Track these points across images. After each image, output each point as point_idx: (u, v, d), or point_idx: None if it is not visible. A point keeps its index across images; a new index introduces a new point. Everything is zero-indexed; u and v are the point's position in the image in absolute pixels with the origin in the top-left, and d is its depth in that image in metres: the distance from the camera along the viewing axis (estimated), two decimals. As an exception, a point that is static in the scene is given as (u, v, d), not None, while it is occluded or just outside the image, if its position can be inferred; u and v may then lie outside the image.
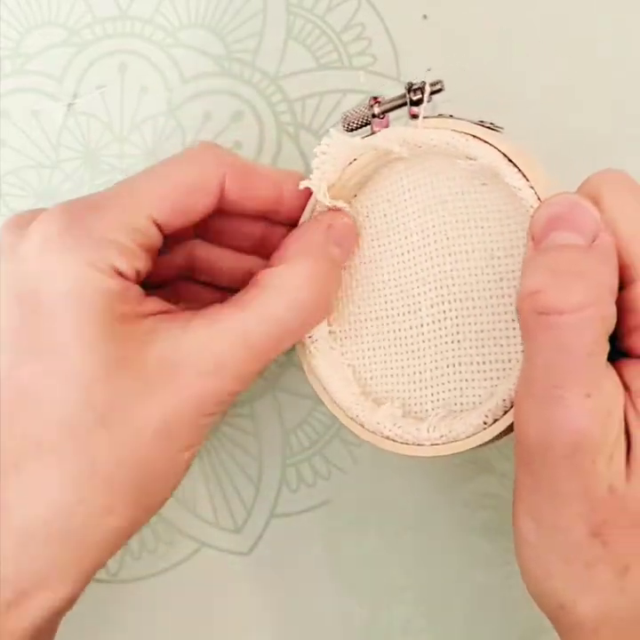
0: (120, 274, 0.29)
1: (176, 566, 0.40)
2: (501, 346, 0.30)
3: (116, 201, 0.30)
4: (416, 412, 0.32)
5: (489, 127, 0.30)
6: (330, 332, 0.34)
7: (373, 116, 0.32)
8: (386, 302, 0.33)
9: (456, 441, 0.29)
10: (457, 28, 0.40)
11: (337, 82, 0.40)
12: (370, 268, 0.33)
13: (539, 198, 0.28)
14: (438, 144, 0.30)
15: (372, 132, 0.32)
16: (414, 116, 0.31)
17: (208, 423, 0.30)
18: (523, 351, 0.26)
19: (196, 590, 0.39)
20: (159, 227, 0.31)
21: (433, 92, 0.31)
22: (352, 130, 0.32)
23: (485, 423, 0.29)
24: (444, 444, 0.30)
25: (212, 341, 0.29)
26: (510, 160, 0.28)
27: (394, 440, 0.31)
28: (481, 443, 0.29)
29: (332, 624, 0.39)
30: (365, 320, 0.33)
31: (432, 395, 0.32)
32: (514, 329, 0.30)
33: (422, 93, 0.31)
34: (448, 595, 0.39)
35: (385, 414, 0.31)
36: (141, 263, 0.30)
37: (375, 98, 0.32)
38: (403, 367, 0.32)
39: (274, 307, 0.29)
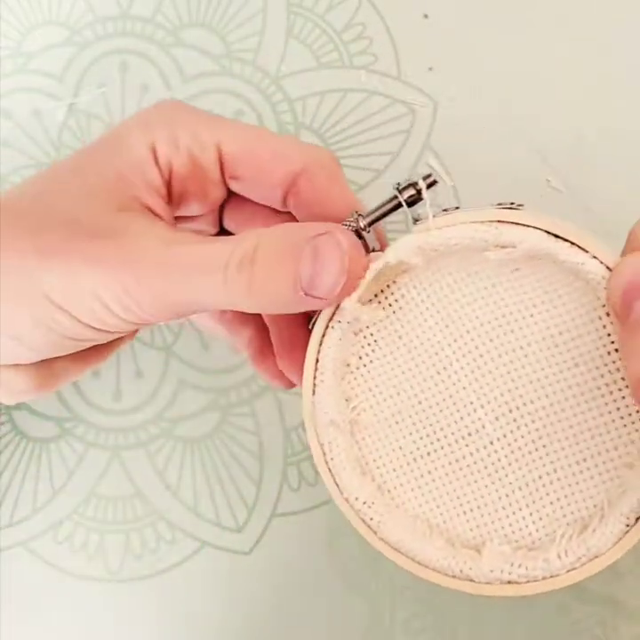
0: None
1: (177, 565, 0.39)
2: (600, 436, 0.26)
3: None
4: (516, 541, 0.27)
5: (511, 207, 0.26)
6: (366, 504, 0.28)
7: (360, 231, 0.27)
8: (435, 432, 0.28)
9: (598, 556, 0.26)
10: (457, 28, 0.40)
11: (338, 81, 0.40)
12: (398, 402, 0.28)
13: (607, 267, 0.25)
14: (460, 242, 0.26)
15: (372, 249, 0.28)
16: (417, 220, 0.27)
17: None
18: None
19: (198, 589, 0.39)
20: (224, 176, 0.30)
21: (428, 186, 0.26)
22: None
23: (628, 525, 0.26)
24: (582, 565, 0.26)
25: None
26: (557, 236, 0.25)
27: (518, 582, 0.26)
28: (629, 548, 0.26)
29: (334, 623, 0.39)
30: (413, 462, 0.28)
31: (529, 516, 0.27)
32: (610, 413, 0.26)
33: (417, 190, 0.26)
34: (449, 595, 0.39)
35: (493, 555, 0.27)
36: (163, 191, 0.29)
37: (357, 212, 0.28)
38: (477, 498, 0.28)
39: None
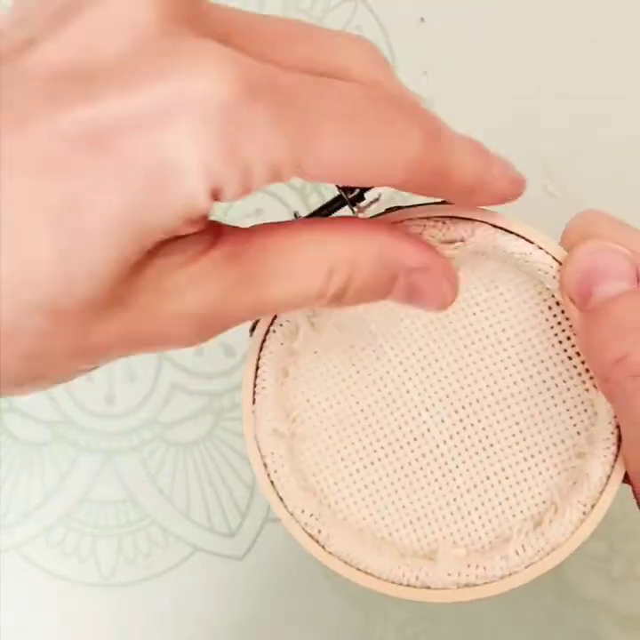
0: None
1: (170, 570, 0.39)
2: (548, 429, 0.26)
3: None
4: (470, 545, 0.27)
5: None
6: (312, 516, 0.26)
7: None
8: (378, 440, 0.27)
9: (557, 548, 0.25)
10: (453, 32, 0.40)
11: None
12: (338, 411, 0.27)
13: (554, 258, 0.25)
14: None
15: None
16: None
17: None
18: (614, 419, 0.25)
19: (190, 594, 0.39)
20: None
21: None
22: None
23: (585, 514, 0.25)
24: (541, 559, 0.25)
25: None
26: (504, 229, 0.25)
27: (476, 584, 0.25)
28: (588, 535, 0.25)
29: (327, 629, 0.39)
30: (356, 473, 0.27)
31: (479, 519, 0.26)
32: (556, 406, 0.26)
33: (361, 189, 0.25)
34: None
35: (448, 559, 0.26)
36: None
37: (296, 212, 0.26)
38: (425, 505, 0.27)
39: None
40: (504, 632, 0.38)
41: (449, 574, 0.25)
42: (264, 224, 0.22)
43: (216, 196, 0.18)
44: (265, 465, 0.26)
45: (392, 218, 0.25)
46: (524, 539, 0.25)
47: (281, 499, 0.26)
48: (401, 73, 0.40)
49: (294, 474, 0.26)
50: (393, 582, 0.26)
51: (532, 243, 0.25)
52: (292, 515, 0.26)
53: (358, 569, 0.26)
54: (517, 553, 0.25)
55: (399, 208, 0.26)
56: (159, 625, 0.39)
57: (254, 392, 0.27)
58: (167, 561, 0.39)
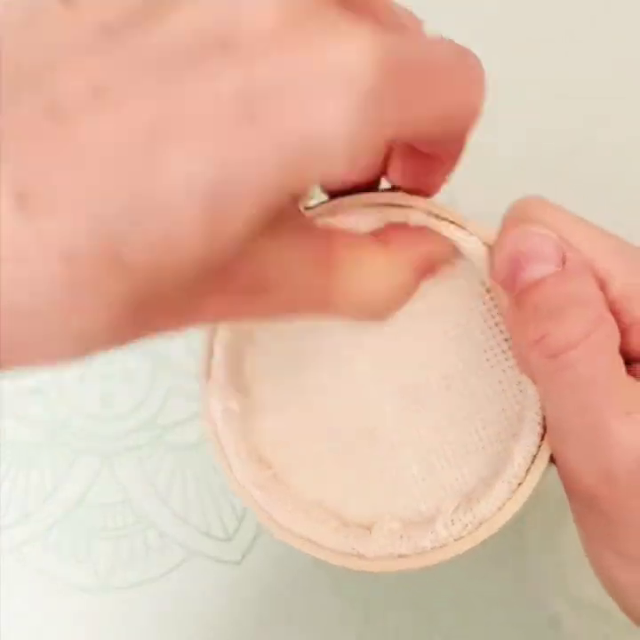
0: None
1: (166, 575, 0.39)
2: (486, 411, 0.27)
3: None
4: (403, 519, 0.28)
5: (391, 190, 0.26)
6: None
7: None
8: (332, 421, 0.28)
9: (484, 522, 0.26)
10: (452, 33, 0.39)
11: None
12: (296, 391, 0.28)
13: (485, 244, 0.26)
14: (345, 228, 0.26)
15: None
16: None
17: None
18: (539, 401, 0.25)
19: (187, 598, 0.39)
20: None
21: None
22: None
23: (512, 491, 0.26)
24: (470, 533, 0.26)
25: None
26: (438, 216, 0.26)
27: (407, 555, 0.27)
28: (516, 510, 0.26)
29: (325, 633, 0.39)
30: (308, 450, 0.28)
31: (419, 494, 0.28)
32: (493, 387, 0.27)
33: None
34: (443, 600, 0.38)
35: (382, 532, 0.27)
36: None
37: None
38: (372, 482, 0.28)
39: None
40: (502, 636, 0.38)
41: (381, 546, 0.27)
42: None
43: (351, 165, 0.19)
44: (218, 438, 0.27)
45: (331, 207, 0.26)
46: (453, 513, 0.27)
47: (231, 470, 0.27)
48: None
49: (246, 447, 0.28)
50: (332, 550, 0.27)
51: (464, 228, 0.26)
52: (243, 487, 0.27)
53: (302, 538, 0.28)
54: (446, 526, 0.26)
55: (337, 198, 0.26)
56: (156, 628, 0.39)
57: (209, 365, 0.27)
58: (164, 564, 0.39)
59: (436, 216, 0.26)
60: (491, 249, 0.25)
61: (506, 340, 0.27)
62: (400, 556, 0.27)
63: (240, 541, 0.39)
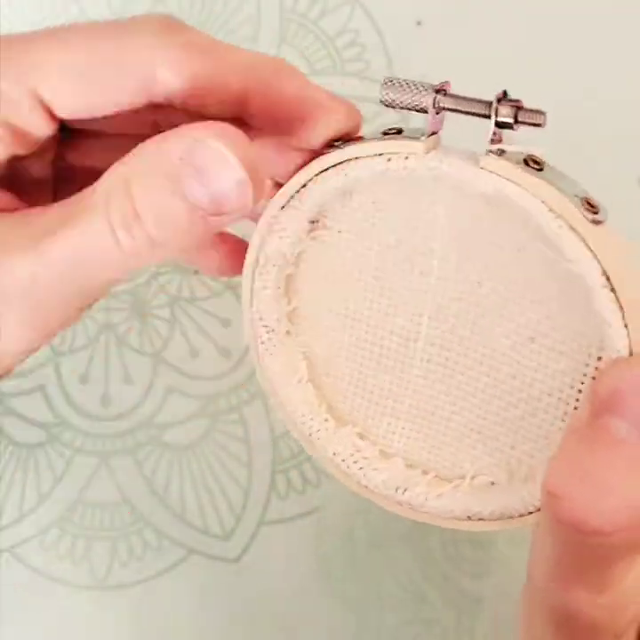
0: None
1: (164, 573, 0.39)
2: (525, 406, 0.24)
3: None
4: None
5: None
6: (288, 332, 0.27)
7: (433, 105, 0.23)
8: (372, 347, 0.26)
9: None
10: (451, 35, 0.40)
11: (330, 87, 0.40)
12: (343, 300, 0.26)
13: (630, 347, 0.21)
14: (506, 205, 0.22)
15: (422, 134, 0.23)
16: (498, 146, 0.22)
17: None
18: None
19: (185, 597, 0.39)
20: (50, 112, 0.22)
21: (532, 124, 0.22)
22: (391, 106, 0.23)
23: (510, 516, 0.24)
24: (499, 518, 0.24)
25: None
26: (606, 276, 0.21)
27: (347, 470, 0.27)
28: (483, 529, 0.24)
29: (321, 632, 0.39)
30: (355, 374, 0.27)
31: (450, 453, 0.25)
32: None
33: (515, 117, 0.22)
34: (438, 603, 0.38)
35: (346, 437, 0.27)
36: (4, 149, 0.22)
37: (443, 85, 0.23)
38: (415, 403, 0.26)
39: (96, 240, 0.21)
40: (499, 636, 0.38)
41: (336, 453, 0.26)
42: None
43: None
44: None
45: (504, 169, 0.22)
46: (431, 479, 0.25)
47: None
48: (398, 76, 0.40)
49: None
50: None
51: (621, 307, 0.21)
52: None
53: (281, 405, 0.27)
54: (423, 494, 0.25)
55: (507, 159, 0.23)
56: (153, 628, 0.39)
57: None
58: (161, 563, 0.39)
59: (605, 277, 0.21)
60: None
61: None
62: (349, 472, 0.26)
63: (238, 539, 0.39)
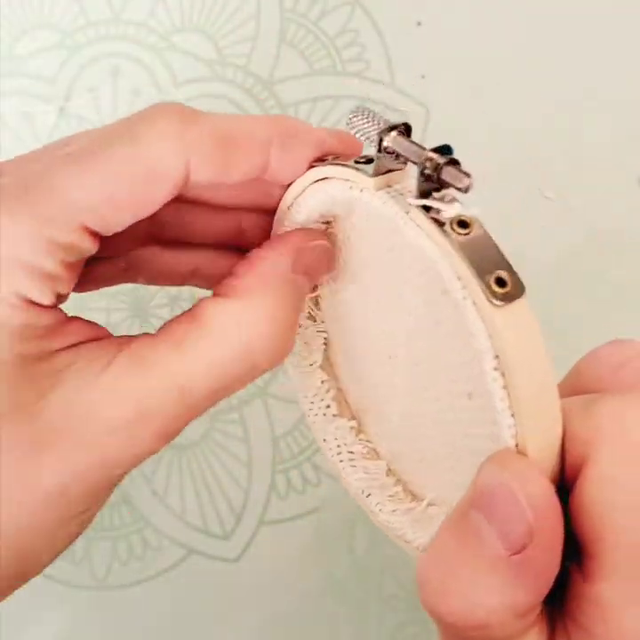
0: (31, 303, 0.22)
1: (164, 573, 0.39)
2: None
3: (29, 204, 0.22)
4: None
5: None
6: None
7: (379, 149, 0.23)
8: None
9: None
10: (450, 35, 0.40)
11: (330, 88, 0.40)
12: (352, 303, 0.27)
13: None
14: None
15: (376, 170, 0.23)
16: (425, 201, 0.21)
17: (115, 485, 0.24)
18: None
19: (185, 597, 0.39)
20: (94, 234, 0.23)
21: (453, 185, 0.21)
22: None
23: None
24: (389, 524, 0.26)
25: (136, 390, 0.22)
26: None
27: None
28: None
29: (321, 631, 0.39)
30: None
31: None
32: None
33: (438, 173, 0.21)
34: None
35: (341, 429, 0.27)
36: (64, 284, 0.23)
37: (402, 126, 0.22)
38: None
39: (221, 354, 0.23)
40: None
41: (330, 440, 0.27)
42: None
43: None
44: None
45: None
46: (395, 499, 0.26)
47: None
48: (398, 76, 0.41)
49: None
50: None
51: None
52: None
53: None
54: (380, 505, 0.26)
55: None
56: (153, 627, 0.39)
57: None
58: (161, 563, 0.39)
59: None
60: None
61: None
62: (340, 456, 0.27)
63: (238, 539, 0.39)
